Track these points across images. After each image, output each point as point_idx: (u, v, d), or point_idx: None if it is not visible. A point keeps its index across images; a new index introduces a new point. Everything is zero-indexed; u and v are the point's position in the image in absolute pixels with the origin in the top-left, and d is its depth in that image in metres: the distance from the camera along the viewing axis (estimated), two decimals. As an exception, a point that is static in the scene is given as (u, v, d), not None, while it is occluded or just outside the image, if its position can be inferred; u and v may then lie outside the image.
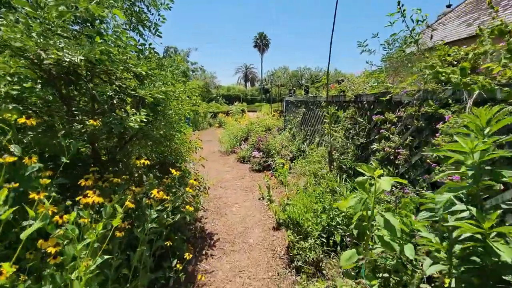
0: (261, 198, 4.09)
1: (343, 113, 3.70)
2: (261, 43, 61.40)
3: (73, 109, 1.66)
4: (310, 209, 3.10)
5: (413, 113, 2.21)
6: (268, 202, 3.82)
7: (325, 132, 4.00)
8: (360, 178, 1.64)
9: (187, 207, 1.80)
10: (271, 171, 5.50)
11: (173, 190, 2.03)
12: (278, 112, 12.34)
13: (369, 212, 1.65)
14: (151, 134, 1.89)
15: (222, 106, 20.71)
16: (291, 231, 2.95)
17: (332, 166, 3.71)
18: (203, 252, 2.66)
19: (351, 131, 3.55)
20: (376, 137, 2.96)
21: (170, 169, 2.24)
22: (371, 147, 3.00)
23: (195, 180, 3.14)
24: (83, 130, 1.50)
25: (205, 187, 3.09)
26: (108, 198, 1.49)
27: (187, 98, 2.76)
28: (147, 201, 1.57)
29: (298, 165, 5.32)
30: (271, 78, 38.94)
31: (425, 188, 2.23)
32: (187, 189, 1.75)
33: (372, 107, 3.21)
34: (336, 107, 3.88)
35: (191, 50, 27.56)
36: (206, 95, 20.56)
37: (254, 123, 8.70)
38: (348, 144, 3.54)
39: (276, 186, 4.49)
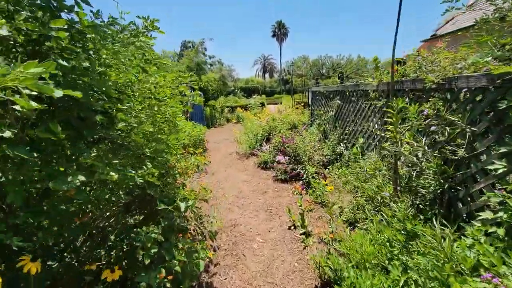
0: (292, 227, 3.00)
1: (416, 108, 2.44)
2: (280, 32, 58.92)
3: None
4: (374, 258, 1.97)
5: None
6: (303, 237, 2.73)
7: (387, 135, 2.77)
8: None
9: None
10: (301, 182, 4.37)
11: None
12: (302, 104, 11.00)
13: None
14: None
15: (240, 99, 19.58)
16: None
17: (399, 188, 2.51)
18: None
19: (435, 136, 2.30)
20: (497, 151, 1.71)
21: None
22: (486, 166, 1.76)
23: (196, 222, 2.15)
24: None
25: (211, 230, 2.06)
26: None
27: (178, 94, 1.71)
28: None
29: (335, 172, 4.13)
30: (290, 68, 37.00)
31: None
32: None
33: (479, 98, 1.95)
34: (407, 100, 2.62)
35: (205, 40, 25.11)
36: (222, 89, 19.46)
37: (276, 119, 7.55)
38: (430, 156, 2.30)
39: (311, 208, 3.36)
